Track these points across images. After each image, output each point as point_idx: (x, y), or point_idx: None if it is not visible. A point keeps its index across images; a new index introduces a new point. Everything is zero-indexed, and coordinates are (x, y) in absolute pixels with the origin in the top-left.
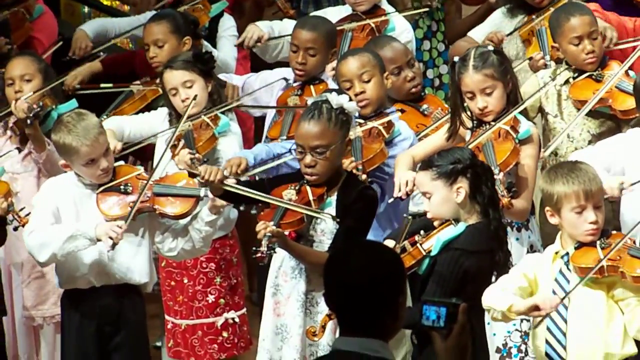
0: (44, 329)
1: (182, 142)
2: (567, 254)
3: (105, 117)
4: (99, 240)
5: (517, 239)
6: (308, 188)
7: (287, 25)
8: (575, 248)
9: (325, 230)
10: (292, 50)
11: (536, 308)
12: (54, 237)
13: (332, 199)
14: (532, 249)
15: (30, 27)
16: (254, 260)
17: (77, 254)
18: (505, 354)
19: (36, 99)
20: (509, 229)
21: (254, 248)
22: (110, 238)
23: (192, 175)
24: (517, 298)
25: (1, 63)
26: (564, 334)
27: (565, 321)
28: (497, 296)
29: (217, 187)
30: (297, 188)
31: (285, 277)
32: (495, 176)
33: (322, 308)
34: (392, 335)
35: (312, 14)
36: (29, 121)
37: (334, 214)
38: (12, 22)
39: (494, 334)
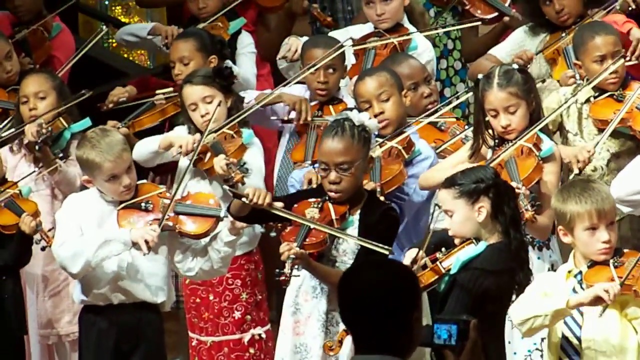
0: (58, 347)
1: (208, 154)
2: (580, 272)
3: (123, 125)
4: (134, 244)
5: (539, 258)
6: (330, 205)
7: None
8: (588, 267)
9: (347, 250)
10: (311, 71)
11: (599, 298)
12: (87, 245)
13: (355, 217)
14: (553, 268)
15: (50, 45)
16: (278, 283)
17: (97, 268)
18: None
19: (50, 118)
20: (530, 247)
21: (277, 270)
22: (146, 241)
23: (237, 196)
24: (566, 293)
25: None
26: (579, 353)
27: (579, 340)
28: (536, 303)
29: (262, 209)
30: (319, 206)
31: (306, 297)
32: (519, 190)
33: (343, 327)
34: (408, 352)
35: (331, 33)
36: (37, 146)
37: (356, 233)
38: (32, 41)
39: (515, 353)
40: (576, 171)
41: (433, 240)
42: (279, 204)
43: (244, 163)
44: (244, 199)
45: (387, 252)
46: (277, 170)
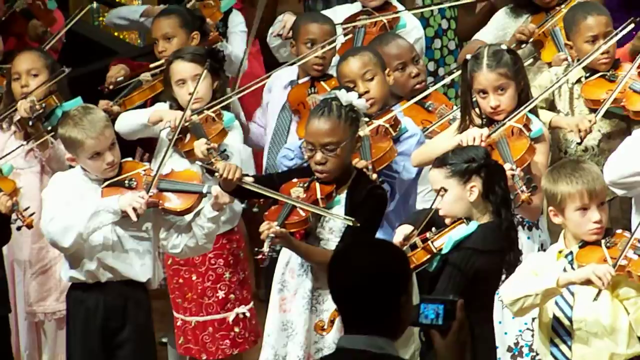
0: (45, 325)
1: (188, 135)
2: (571, 252)
3: (115, 104)
4: (123, 211)
5: (529, 238)
6: (317, 185)
7: None
8: (580, 247)
9: (333, 228)
10: (308, 46)
11: (589, 282)
12: (77, 218)
13: (342, 196)
14: (542, 248)
15: (54, 17)
16: (256, 261)
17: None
18: (516, 353)
19: (41, 94)
20: (520, 227)
21: (256, 249)
22: (134, 209)
23: (210, 172)
24: (556, 272)
25: (11, 58)
26: (569, 334)
27: (571, 320)
28: (527, 283)
29: (233, 184)
30: (305, 185)
31: (292, 274)
32: (513, 172)
33: (328, 306)
34: (398, 332)
35: (321, 12)
36: (30, 122)
37: (343, 212)
38: (34, 12)
39: (506, 333)
40: (577, 140)
41: (422, 218)
42: (249, 179)
43: (224, 150)
44: (216, 174)
45: (351, 224)
46: (266, 154)
